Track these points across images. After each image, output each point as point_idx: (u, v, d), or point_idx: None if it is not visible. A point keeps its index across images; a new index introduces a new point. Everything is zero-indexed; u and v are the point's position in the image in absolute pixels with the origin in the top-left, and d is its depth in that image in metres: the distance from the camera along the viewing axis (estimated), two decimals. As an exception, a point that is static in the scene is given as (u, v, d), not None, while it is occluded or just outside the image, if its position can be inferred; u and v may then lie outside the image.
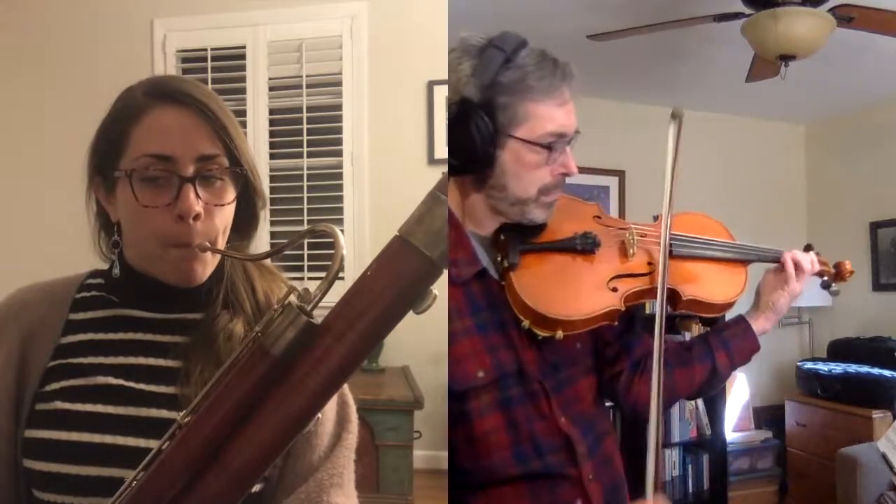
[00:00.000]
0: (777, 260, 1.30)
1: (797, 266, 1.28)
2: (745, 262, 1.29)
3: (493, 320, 1.09)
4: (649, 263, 1.19)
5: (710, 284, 1.24)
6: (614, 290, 1.14)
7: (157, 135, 0.92)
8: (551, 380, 1.13)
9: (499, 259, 1.12)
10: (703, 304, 1.22)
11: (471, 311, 1.09)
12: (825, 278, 1.37)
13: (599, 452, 1.17)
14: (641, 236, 1.20)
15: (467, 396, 1.07)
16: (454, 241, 1.08)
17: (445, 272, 0.67)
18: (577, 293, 1.13)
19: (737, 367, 1.29)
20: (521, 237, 1.12)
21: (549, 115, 1.07)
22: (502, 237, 1.13)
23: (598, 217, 1.22)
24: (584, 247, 1.15)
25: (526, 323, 1.08)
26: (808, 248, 1.33)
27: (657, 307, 1.15)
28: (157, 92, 0.95)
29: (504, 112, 1.05)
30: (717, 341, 1.28)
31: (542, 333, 1.09)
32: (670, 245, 1.18)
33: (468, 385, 1.06)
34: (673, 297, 1.20)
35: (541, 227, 1.14)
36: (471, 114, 1.04)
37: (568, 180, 1.14)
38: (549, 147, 1.07)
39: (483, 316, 1.09)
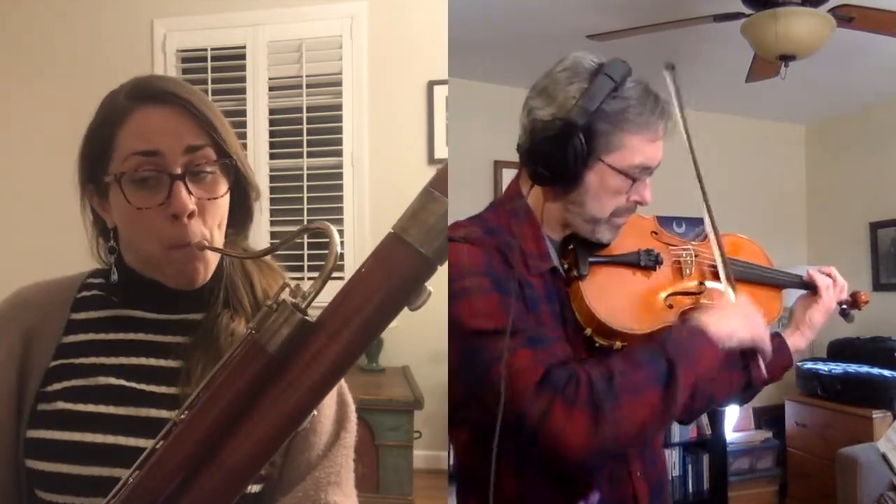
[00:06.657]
0: (805, 286, 1.35)
1: (833, 279, 1.34)
2: (779, 287, 1.34)
3: (558, 313, 1.14)
4: (700, 283, 1.24)
5: None
6: (670, 306, 1.20)
7: (142, 134, 0.92)
8: None
9: (564, 266, 1.17)
10: None
11: (547, 300, 1.13)
12: (844, 306, 1.41)
13: (648, 451, 1.22)
14: (695, 255, 1.26)
15: None
16: (533, 236, 1.16)
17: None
18: (639, 307, 1.18)
19: (769, 380, 1.30)
20: (588, 250, 1.18)
21: (641, 148, 1.13)
22: (571, 247, 1.18)
23: (655, 233, 1.28)
24: (646, 263, 1.20)
25: (588, 331, 1.13)
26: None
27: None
28: (139, 94, 0.95)
29: (600, 137, 1.11)
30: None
31: (601, 342, 1.14)
32: (713, 267, 1.25)
33: None
34: None
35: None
36: (572, 135, 1.10)
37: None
38: (633, 178, 1.13)
39: (555, 306, 1.14)
